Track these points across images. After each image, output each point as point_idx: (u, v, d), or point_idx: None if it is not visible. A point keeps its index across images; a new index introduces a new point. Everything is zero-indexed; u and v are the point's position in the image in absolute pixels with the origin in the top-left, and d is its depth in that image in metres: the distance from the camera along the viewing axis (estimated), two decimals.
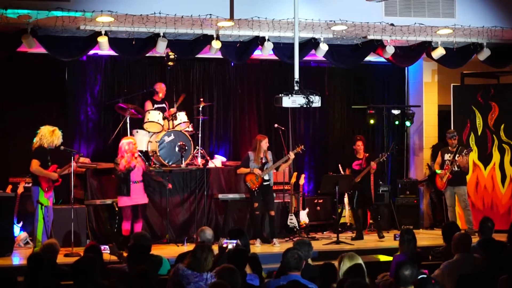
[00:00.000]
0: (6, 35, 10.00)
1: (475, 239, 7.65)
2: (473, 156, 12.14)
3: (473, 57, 11.60)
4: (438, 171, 11.52)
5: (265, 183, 10.73)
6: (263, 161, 10.76)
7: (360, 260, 5.91)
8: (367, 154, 11.42)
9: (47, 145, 9.55)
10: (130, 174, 9.97)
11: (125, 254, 7.20)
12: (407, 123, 13.09)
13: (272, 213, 10.80)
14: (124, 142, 10.13)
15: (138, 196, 10.09)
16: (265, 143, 10.77)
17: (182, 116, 11.44)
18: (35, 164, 9.46)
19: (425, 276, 5.13)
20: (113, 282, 6.14)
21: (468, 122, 12.40)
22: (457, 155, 11.31)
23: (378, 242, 11.04)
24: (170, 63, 11.30)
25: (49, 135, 9.56)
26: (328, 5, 10.29)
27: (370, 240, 11.25)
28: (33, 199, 9.56)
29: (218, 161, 12.07)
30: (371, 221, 12.06)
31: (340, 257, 5.99)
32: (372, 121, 13.15)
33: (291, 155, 10.84)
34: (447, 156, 11.48)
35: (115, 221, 10.42)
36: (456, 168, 11.34)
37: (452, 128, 12.27)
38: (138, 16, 9.63)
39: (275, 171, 11.07)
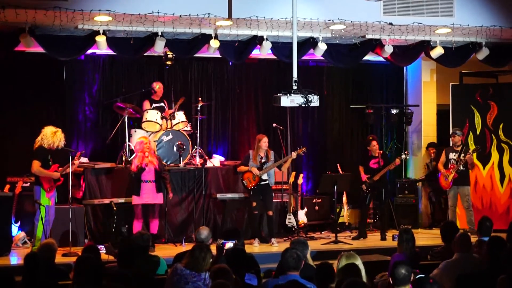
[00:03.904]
0: (4, 34, 9.97)
1: (474, 239, 7.64)
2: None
3: (471, 56, 11.58)
4: (442, 171, 11.44)
5: (262, 183, 10.71)
6: (263, 160, 10.74)
7: (358, 260, 5.88)
8: (381, 151, 11.49)
9: (47, 146, 9.52)
10: (141, 173, 9.98)
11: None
12: None
13: (270, 213, 10.77)
14: (137, 142, 10.19)
15: (149, 195, 10.08)
16: (263, 143, 10.74)
17: (180, 116, 11.43)
18: (36, 165, 9.43)
19: (423, 275, 5.10)
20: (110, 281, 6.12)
21: (467, 122, 12.37)
22: (462, 155, 11.21)
23: (377, 241, 11.03)
24: (169, 63, 11.30)
25: (50, 136, 9.52)
26: (327, 4, 10.28)
27: (369, 240, 11.24)
28: (34, 199, 9.54)
29: (216, 160, 12.05)
30: (370, 220, 12.05)
31: (339, 256, 5.98)
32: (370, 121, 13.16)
33: (294, 155, 10.79)
34: (452, 155, 11.39)
35: (113, 221, 10.39)
36: (462, 167, 11.29)
37: (451, 127, 12.25)
38: (136, 15, 9.60)
39: (278, 169, 11.03)
